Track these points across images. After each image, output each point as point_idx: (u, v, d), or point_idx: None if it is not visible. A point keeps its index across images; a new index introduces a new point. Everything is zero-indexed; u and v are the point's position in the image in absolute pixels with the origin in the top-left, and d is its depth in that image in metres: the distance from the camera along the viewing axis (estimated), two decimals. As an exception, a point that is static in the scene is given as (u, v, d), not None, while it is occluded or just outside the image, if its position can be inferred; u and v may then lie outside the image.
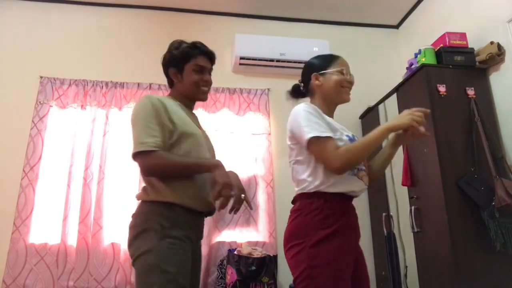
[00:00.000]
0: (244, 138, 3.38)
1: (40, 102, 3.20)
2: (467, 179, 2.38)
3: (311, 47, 3.53)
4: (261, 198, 3.27)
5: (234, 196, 1.44)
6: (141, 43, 3.55)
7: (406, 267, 2.77)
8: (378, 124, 3.20)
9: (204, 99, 1.72)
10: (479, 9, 2.86)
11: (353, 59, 3.59)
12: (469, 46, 2.76)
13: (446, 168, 2.42)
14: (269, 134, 3.43)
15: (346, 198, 1.53)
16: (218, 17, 3.76)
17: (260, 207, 3.25)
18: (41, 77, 3.27)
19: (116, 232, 3.01)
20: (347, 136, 1.55)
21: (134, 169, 3.13)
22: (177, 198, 1.48)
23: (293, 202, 1.59)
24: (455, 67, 2.68)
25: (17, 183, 2.99)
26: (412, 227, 2.64)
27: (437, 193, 2.43)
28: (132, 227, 1.48)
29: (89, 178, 3.06)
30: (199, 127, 1.72)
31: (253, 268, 2.76)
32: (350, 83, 1.65)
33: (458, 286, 2.23)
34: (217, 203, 1.47)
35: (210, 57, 1.72)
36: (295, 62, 3.48)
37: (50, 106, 3.22)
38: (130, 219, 1.52)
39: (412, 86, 2.80)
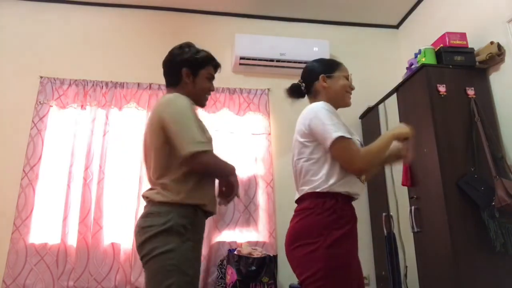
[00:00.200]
0: (244, 138, 3.38)
1: (40, 102, 3.20)
2: (467, 179, 2.38)
3: (311, 47, 3.53)
4: (261, 198, 3.27)
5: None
6: (141, 43, 3.55)
7: (406, 267, 2.77)
8: (378, 124, 3.23)
9: (204, 105, 1.81)
10: (479, 9, 2.86)
11: (353, 59, 3.67)
12: (469, 46, 2.76)
13: (446, 168, 2.42)
14: (269, 134, 3.43)
15: (351, 200, 1.55)
16: (218, 17, 3.76)
17: (260, 207, 3.25)
18: (41, 77, 3.27)
19: (116, 232, 3.01)
20: (358, 140, 1.60)
21: (134, 169, 3.15)
22: (201, 200, 1.54)
23: (299, 200, 1.57)
24: (455, 67, 2.68)
25: (17, 183, 2.99)
26: (412, 227, 2.64)
27: (437, 193, 2.43)
28: (146, 226, 1.47)
29: (89, 178, 3.06)
30: None
31: (253, 268, 2.76)
32: (352, 89, 1.73)
33: (458, 286, 2.23)
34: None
35: (217, 68, 1.83)
36: (295, 62, 3.49)
37: (50, 106, 3.22)
38: (141, 219, 1.52)
39: (412, 86, 2.80)
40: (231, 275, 2.77)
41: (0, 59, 3.33)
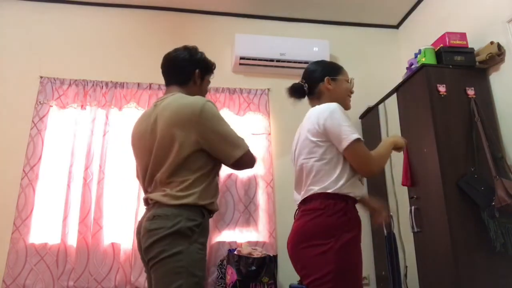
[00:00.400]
0: (244, 138, 3.37)
1: (40, 102, 3.20)
2: (467, 179, 2.38)
3: (311, 47, 3.54)
4: (261, 198, 3.27)
5: None
6: (141, 43, 3.55)
7: (406, 267, 2.77)
8: (378, 124, 3.23)
9: None
10: (479, 9, 2.86)
11: (353, 59, 3.68)
12: (469, 46, 2.76)
13: (446, 168, 2.42)
14: (269, 134, 3.43)
15: (356, 202, 1.57)
16: (218, 17, 3.76)
17: (260, 207, 3.25)
18: (41, 77, 3.27)
19: (116, 232, 3.01)
20: None
21: (134, 169, 3.14)
22: (210, 199, 1.55)
23: (306, 200, 1.56)
24: (455, 67, 2.68)
25: (17, 183, 2.99)
26: (412, 227, 2.64)
27: (437, 193, 2.43)
28: (154, 229, 1.46)
29: (89, 178, 3.06)
30: None
31: (253, 268, 2.76)
32: (352, 93, 1.78)
33: (458, 286, 2.23)
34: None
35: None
36: (295, 62, 3.49)
37: (50, 106, 3.22)
38: (148, 221, 1.50)
39: (412, 86, 2.80)
40: (231, 275, 2.77)
41: (0, 59, 3.33)
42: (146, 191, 1.65)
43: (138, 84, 3.37)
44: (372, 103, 3.38)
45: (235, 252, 2.85)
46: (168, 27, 3.63)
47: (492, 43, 2.64)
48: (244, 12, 3.77)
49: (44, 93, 3.23)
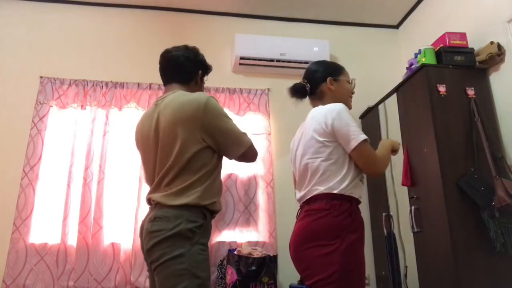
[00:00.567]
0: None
1: (40, 102, 3.20)
2: (467, 179, 2.38)
3: (311, 47, 3.54)
4: (261, 198, 3.27)
5: None
6: (141, 43, 3.55)
7: (406, 267, 2.77)
8: (378, 124, 3.23)
9: None
10: (479, 9, 2.86)
11: (353, 59, 3.68)
12: (469, 46, 2.76)
13: (446, 168, 2.42)
14: (269, 134, 3.43)
15: (359, 203, 1.57)
16: (218, 17, 3.76)
17: (260, 207, 3.25)
18: (41, 77, 3.27)
19: (116, 232, 3.01)
20: None
21: (134, 169, 3.15)
22: (213, 199, 1.54)
23: (310, 200, 1.55)
24: (455, 67, 2.68)
25: (17, 183, 2.99)
26: (412, 227, 2.64)
27: (437, 193, 2.43)
28: (154, 231, 1.45)
29: (89, 178, 3.06)
30: None
31: (253, 268, 2.76)
32: (353, 93, 1.79)
33: (458, 286, 2.23)
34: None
35: None
36: (295, 62, 3.48)
37: (50, 106, 3.22)
38: (149, 223, 1.49)
39: (412, 86, 2.80)
40: (231, 275, 2.77)
41: (0, 59, 3.33)
42: (150, 192, 1.62)
43: (138, 84, 3.37)
44: (372, 103, 3.38)
45: (235, 252, 2.85)
46: (168, 27, 3.63)
47: (492, 43, 2.64)
48: (244, 12, 3.77)
49: (44, 93, 3.23)
